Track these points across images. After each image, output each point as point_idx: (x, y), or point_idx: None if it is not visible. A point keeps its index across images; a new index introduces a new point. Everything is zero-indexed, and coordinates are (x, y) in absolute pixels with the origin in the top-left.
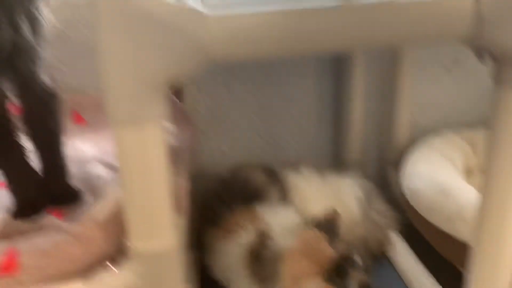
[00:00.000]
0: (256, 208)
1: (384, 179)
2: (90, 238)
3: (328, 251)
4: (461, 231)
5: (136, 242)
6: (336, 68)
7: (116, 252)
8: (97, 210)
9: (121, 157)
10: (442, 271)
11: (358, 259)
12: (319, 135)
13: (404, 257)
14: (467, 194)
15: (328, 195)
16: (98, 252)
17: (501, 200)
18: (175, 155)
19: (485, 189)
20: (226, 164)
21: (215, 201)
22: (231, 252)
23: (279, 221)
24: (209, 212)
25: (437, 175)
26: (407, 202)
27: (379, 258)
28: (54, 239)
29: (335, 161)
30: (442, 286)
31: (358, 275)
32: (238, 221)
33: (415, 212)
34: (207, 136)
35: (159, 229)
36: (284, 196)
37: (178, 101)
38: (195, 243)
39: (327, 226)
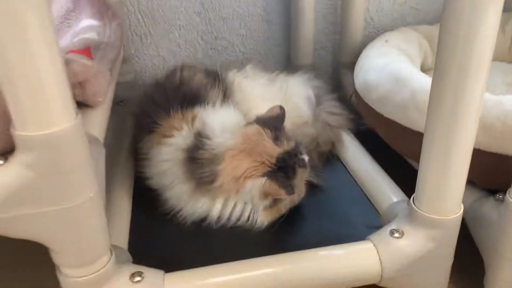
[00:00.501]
0: (195, 110)
1: (337, 81)
2: None
3: (271, 148)
4: (415, 120)
5: (24, 129)
6: None
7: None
8: None
9: None
10: (396, 169)
11: (305, 157)
12: (268, 36)
13: (356, 156)
14: (422, 80)
15: (276, 95)
16: None
17: (453, 87)
18: (96, 48)
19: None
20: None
21: (151, 106)
22: (167, 157)
23: (219, 121)
24: (145, 119)
25: (392, 67)
26: (360, 99)
27: (330, 158)
28: None
29: (287, 65)
30: (396, 184)
31: (305, 174)
32: (174, 125)
33: (368, 108)
34: (142, 40)
35: (50, 111)
36: (227, 98)
37: None
38: (131, 152)
39: (271, 122)
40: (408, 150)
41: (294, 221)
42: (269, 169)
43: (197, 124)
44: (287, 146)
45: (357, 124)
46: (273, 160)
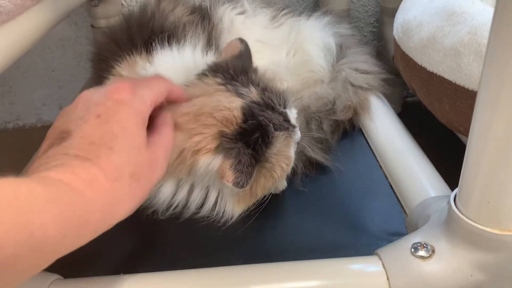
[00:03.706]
0: (154, 54)
1: (380, 35)
2: None
3: (229, 103)
4: (473, 73)
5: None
6: None
7: None
8: None
9: None
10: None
11: (290, 112)
12: None
13: (385, 130)
14: (488, 13)
15: (281, 40)
16: None
17: None
18: None
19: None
20: None
21: (110, 48)
22: None
23: (169, 71)
24: (100, 63)
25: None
26: (397, 49)
27: (349, 131)
28: None
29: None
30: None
31: (291, 141)
32: (120, 71)
33: (405, 60)
34: None
35: None
36: (213, 40)
37: None
38: None
39: (234, 64)
40: (461, 123)
41: (280, 216)
42: (230, 136)
43: (139, 71)
44: (257, 95)
45: (403, 92)
46: (235, 121)
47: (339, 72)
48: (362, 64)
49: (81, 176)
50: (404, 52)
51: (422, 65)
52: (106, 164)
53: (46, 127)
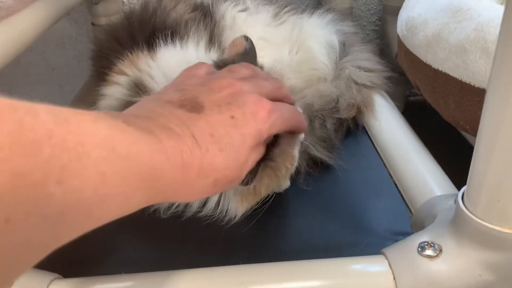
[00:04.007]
0: (157, 51)
1: (382, 33)
2: None
3: None
4: (479, 71)
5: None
6: None
7: None
8: None
9: None
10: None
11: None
12: None
13: (390, 128)
14: (495, 10)
15: (283, 38)
16: None
17: None
18: None
19: None
20: None
21: (111, 45)
22: (105, 109)
23: (172, 68)
24: (102, 61)
25: None
26: (401, 46)
27: (353, 129)
28: None
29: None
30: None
31: (296, 139)
32: (122, 68)
33: (410, 58)
34: None
35: None
36: (216, 38)
37: None
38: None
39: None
40: (467, 121)
41: (284, 216)
42: None
43: (143, 67)
44: None
45: (405, 91)
46: None
47: (342, 70)
48: (365, 62)
49: (183, 156)
50: (408, 50)
51: (427, 63)
52: (208, 161)
53: None
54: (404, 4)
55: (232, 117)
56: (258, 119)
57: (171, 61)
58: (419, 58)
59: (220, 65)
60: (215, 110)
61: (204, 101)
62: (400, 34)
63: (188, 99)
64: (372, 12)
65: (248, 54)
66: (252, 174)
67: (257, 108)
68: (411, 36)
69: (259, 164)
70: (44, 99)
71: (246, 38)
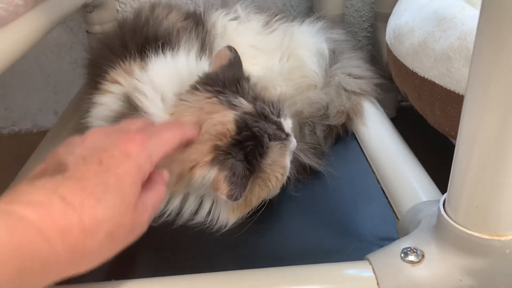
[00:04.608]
0: (149, 60)
1: (374, 40)
2: None
3: (222, 117)
4: (464, 79)
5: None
6: None
7: None
8: None
9: None
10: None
11: (285, 122)
12: None
13: (378, 134)
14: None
15: (274, 46)
16: None
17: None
18: None
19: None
20: None
21: (104, 54)
22: (96, 123)
23: (162, 83)
24: (94, 69)
25: (438, 4)
26: (389, 54)
27: (342, 136)
28: None
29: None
30: (426, 169)
31: (287, 149)
32: (115, 77)
33: (397, 64)
34: None
35: None
36: (207, 46)
37: None
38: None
39: (223, 75)
40: (452, 127)
41: (273, 222)
42: (224, 149)
43: (134, 81)
44: (250, 105)
45: (397, 96)
46: (229, 133)
47: (332, 77)
48: (355, 69)
49: (58, 222)
50: (396, 57)
51: (414, 70)
52: (88, 216)
53: (41, 133)
54: (393, 11)
55: (101, 162)
56: (131, 154)
57: (162, 72)
58: (406, 66)
59: (205, 80)
60: (80, 163)
61: (66, 160)
62: (388, 42)
63: (49, 165)
64: (364, 18)
65: (233, 65)
66: (242, 187)
67: (125, 144)
68: (398, 44)
69: (249, 177)
70: (40, 106)
71: (230, 49)
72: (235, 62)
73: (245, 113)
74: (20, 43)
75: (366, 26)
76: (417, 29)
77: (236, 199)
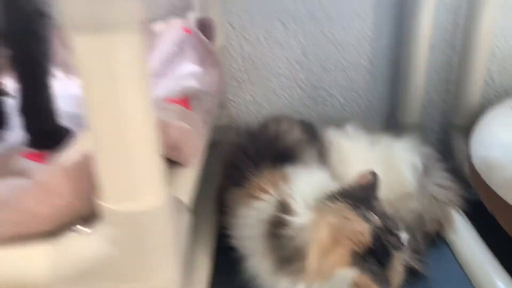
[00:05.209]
0: (286, 170)
1: (448, 146)
2: (56, 188)
3: (361, 228)
4: None
5: (109, 201)
6: (398, 3)
7: (91, 211)
8: (69, 153)
9: (83, 77)
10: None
11: (402, 235)
12: (371, 89)
13: (466, 240)
14: None
15: (377, 160)
16: (66, 207)
17: None
18: (195, 98)
19: None
20: (260, 119)
21: (241, 157)
22: (251, 222)
23: (306, 191)
24: (233, 169)
25: None
26: (476, 174)
27: (435, 240)
28: (15, 188)
29: (390, 122)
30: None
31: (402, 256)
32: (263, 185)
33: (486, 187)
34: (240, 85)
35: (139, 185)
36: (323, 159)
37: (206, 39)
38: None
39: (361, 192)
40: None
41: None
42: (361, 255)
43: (285, 189)
44: (379, 220)
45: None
46: (365, 242)
47: (426, 188)
48: (443, 181)
49: None
50: (486, 184)
51: (505, 199)
52: None
53: None
54: (478, 138)
55: None
56: None
57: (303, 184)
58: (496, 194)
59: (343, 194)
60: None
61: None
62: (477, 167)
63: None
64: (437, 125)
65: (370, 187)
66: (387, 284)
67: None
68: (489, 173)
69: (388, 278)
70: None
71: (373, 174)
72: (373, 184)
73: (377, 227)
74: None
75: (441, 137)
76: (509, 167)
77: None
